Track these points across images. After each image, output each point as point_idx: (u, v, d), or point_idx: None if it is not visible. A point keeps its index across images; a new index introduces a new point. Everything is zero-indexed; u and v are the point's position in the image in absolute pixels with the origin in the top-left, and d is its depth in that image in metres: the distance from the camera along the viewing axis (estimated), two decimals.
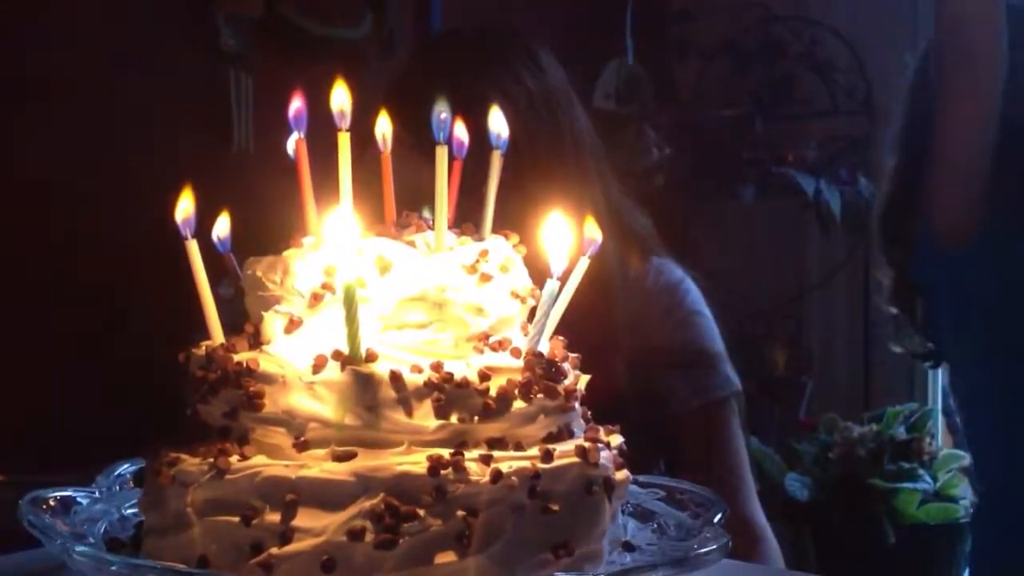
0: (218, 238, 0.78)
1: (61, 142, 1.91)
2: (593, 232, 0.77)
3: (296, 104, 0.77)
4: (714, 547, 0.72)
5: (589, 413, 0.80)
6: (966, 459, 2.56)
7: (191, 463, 0.69)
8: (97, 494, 0.82)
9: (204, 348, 0.73)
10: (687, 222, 2.61)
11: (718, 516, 0.79)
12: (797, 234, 2.82)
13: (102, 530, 0.77)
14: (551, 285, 0.73)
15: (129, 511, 0.79)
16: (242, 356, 0.71)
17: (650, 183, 2.53)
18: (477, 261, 0.75)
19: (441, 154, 0.76)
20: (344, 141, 0.75)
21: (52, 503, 0.78)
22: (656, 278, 1.51)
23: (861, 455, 2.24)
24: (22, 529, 0.74)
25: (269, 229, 0.82)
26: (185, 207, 0.75)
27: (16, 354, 1.84)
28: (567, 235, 0.74)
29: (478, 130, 0.82)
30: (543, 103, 1.39)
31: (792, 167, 2.63)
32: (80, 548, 0.69)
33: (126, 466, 0.84)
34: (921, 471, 2.27)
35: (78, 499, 0.80)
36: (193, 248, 0.74)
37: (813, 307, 2.84)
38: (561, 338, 0.79)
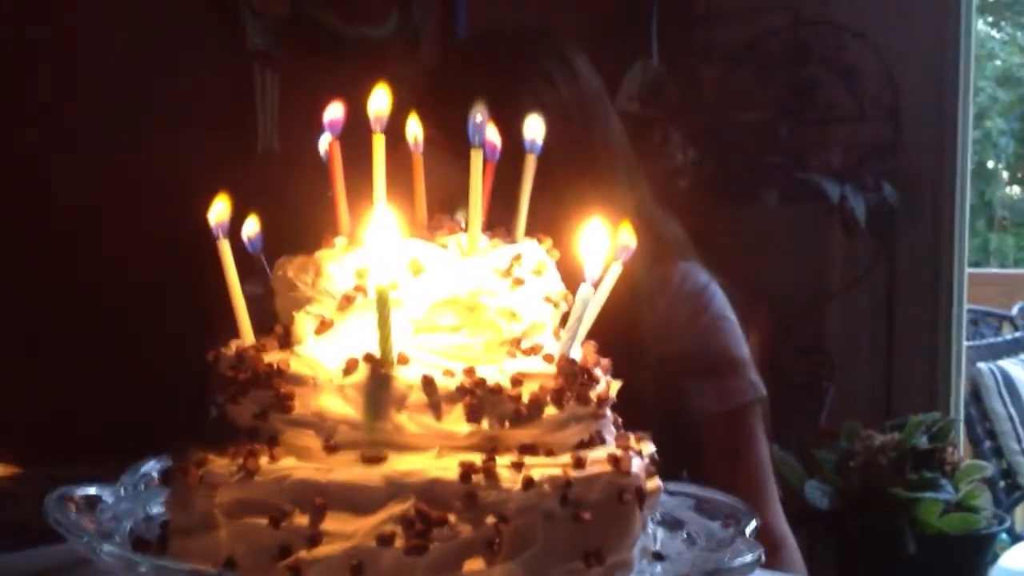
0: (248, 238, 0.78)
1: (84, 140, 1.91)
2: (627, 238, 0.77)
3: (336, 112, 0.76)
4: (748, 559, 0.71)
5: (620, 420, 0.79)
6: (988, 469, 2.54)
7: (220, 464, 0.69)
8: (122, 492, 0.81)
9: (234, 348, 0.73)
10: (710, 226, 2.60)
11: (750, 527, 0.78)
12: (821, 240, 2.80)
13: (127, 529, 0.77)
14: (585, 290, 0.72)
15: (154, 510, 0.79)
16: (273, 357, 0.71)
17: (674, 186, 2.52)
18: (511, 265, 0.75)
19: (476, 157, 0.75)
20: (379, 143, 0.74)
21: (78, 501, 0.78)
22: (682, 283, 1.50)
23: (883, 464, 2.22)
24: (40, 522, 0.74)
25: (294, 227, 0.82)
26: (220, 210, 0.74)
27: (35, 346, 1.85)
28: (603, 240, 0.73)
29: (510, 133, 0.81)
30: (576, 108, 1.38)
31: (816, 172, 2.61)
32: (107, 548, 0.69)
33: (151, 464, 0.84)
34: (943, 481, 2.25)
35: (103, 497, 0.79)
36: (225, 248, 0.74)
37: (836, 313, 2.82)
38: (593, 343, 0.78)
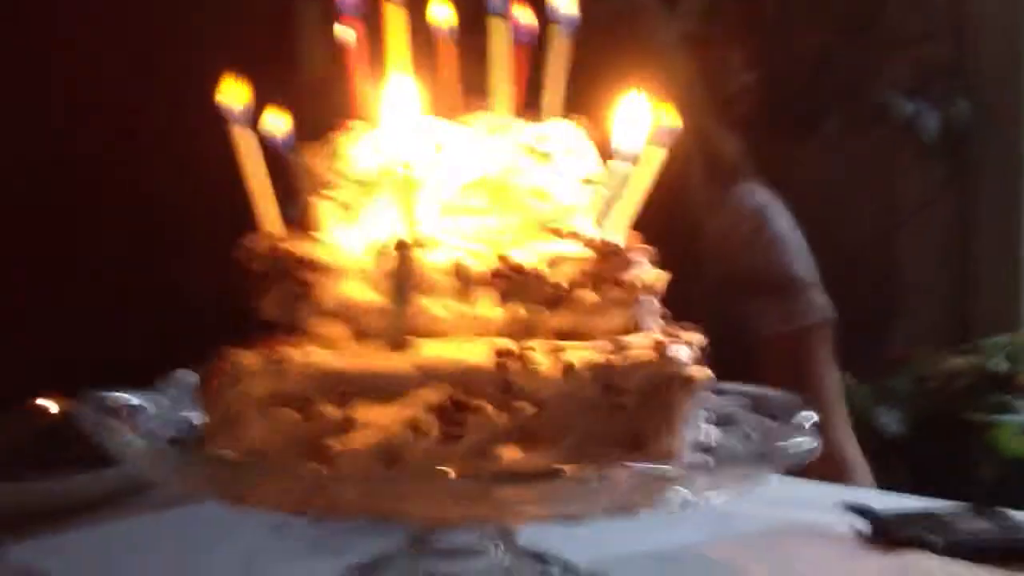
0: (278, 136, 0.74)
1: (110, 58, 1.87)
2: (672, 120, 0.71)
3: None
4: (799, 442, 0.67)
5: (669, 313, 0.75)
6: None
7: (247, 357, 0.67)
8: (162, 401, 0.80)
9: (257, 240, 0.70)
10: (771, 153, 2.53)
11: (808, 420, 0.73)
12: (890, 162, 2.72)
13: (162, 432, 0.75)
14: (618, 165, 0.68)
15: (189, 414, 0.77)
16: (296, 246, 0.68)
17: (732, 111, 2.45)
18: (542, 143, 0.71)
19: (497, 26, 0.71)
20: (395, 14, 0.70)
21: (119, 410, 0.76)
22: (741, 201, 1.48)
23: (958, 388, 2.16)
24: (95, 450, 0.72)
25: (315, 120, 0.77)
26: (238, 93, 0.71)
27: (66, 276, 1.83)
28: (643, 114, 0.69)
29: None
30: None
31: (884, 91, 2.53)
32: (138, 441, 0.67)
33: (186, 372, 0.82)
34: (1021, 404, 2.18)
35: (138, 403, 0.78)
36: (244, 136, 0.70)
37: (908, 236, 2.75)
38: (639, 233, 0.74)
